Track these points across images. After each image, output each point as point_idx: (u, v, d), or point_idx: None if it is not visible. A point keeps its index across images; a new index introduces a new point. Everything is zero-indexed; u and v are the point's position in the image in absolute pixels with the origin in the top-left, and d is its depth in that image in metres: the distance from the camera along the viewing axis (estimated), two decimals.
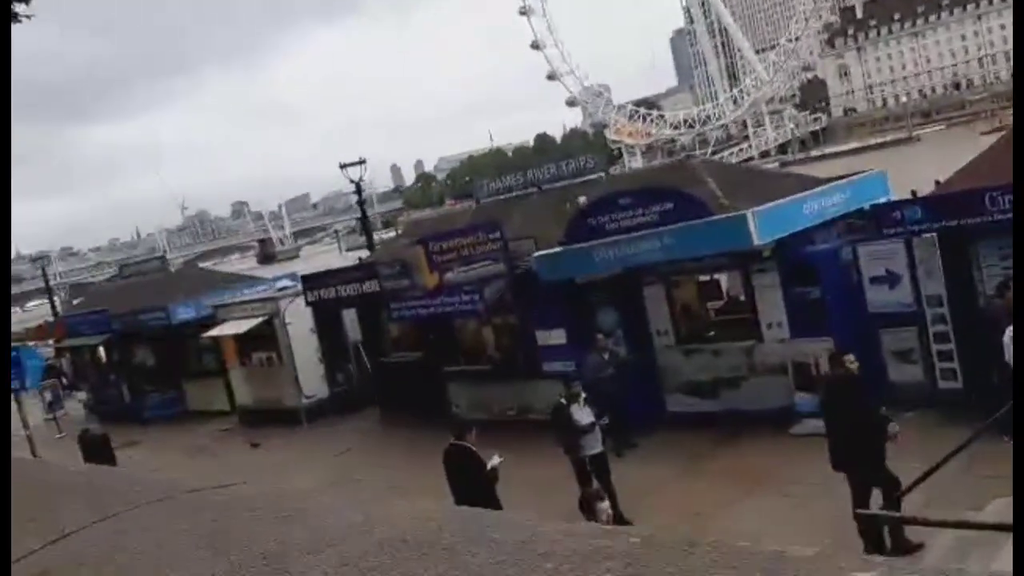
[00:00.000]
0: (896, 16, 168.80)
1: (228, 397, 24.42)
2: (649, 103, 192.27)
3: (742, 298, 14.93)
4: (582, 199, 15.89)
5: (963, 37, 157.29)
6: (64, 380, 29.58)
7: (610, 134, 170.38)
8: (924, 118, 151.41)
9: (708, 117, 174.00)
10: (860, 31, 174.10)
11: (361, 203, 26.71)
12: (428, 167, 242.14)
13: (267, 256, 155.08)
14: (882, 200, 14.78)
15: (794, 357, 13.46)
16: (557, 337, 15.93)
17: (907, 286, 12.78)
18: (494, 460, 9.78)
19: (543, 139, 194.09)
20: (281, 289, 23.79)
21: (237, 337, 22.93)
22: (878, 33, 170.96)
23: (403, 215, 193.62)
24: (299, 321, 22.14)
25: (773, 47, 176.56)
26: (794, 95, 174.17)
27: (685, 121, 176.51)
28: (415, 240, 17.28)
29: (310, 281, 20.87)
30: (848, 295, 13.31)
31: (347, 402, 21.67)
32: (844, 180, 15.01)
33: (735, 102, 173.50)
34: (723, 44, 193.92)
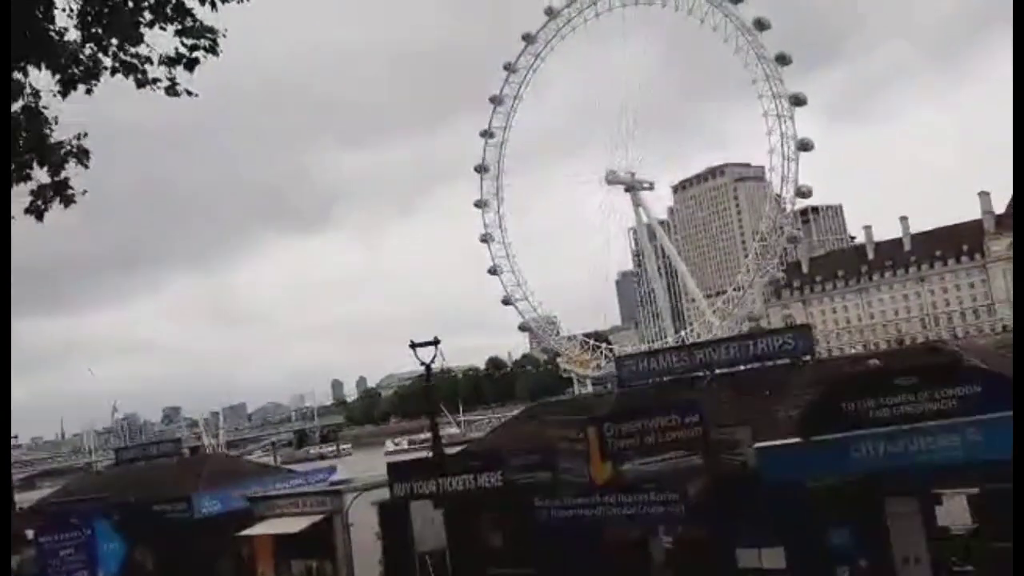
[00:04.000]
0: (840, 273, 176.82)
1: None
2: (599, 336, 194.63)
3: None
4: (873, 361, 12.98)
5: (905, 297, 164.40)
6: None
7: (563, 363, 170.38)
8: None
9: None
10: (805, 285, 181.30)
11: (429, 387, 23.32)
12: (371, 383, 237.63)
13: None
14: None
15: None
16: (773, 559, 12.45)
17: None
18: None
19: (494, 362, 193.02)
20: (339, 482, 19.84)
21: (278, 539, 18.72)
22: (823, 288, 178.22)
23: (344, 430, 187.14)
24: (362, 523, 18.18)
25: (719, 294, 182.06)
26: None
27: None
28: (579, 421, 13.95)
29: (401, 470, 17.12)
30: None
31: None
32: None
33: (683, 343, 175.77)
34: (671, 287, 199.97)
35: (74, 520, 14.75)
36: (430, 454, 22.18)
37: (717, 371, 15.13)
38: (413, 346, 22.37)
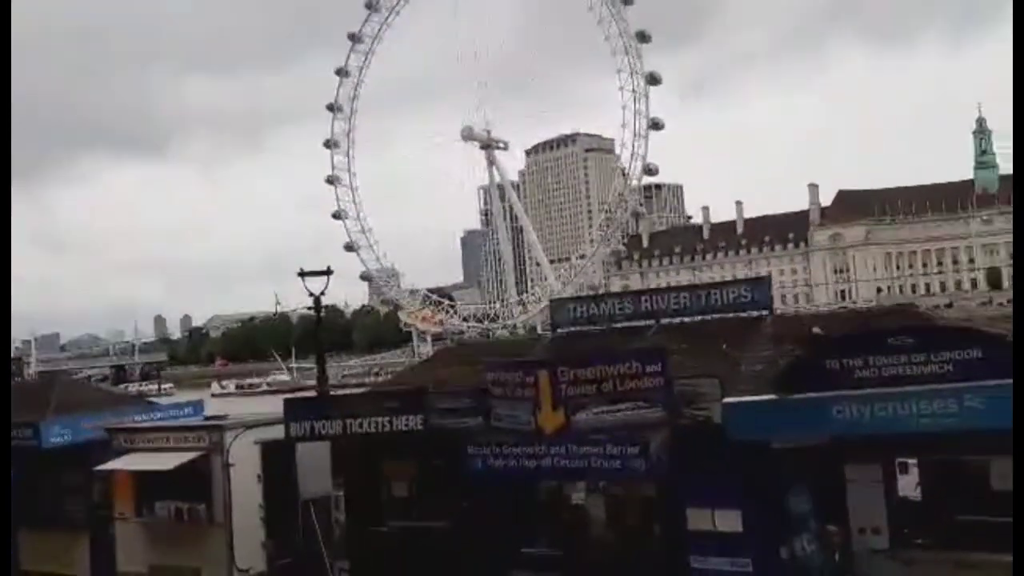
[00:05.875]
0: (677, 250, 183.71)
1: (97, 560, 17.40)
2: (442, 292, 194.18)
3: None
4: (816, 329, 12.23)
5: (735, 277, 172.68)
6: None
7: (404, 316, 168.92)
8: None
9: (496, 316, 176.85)
10: (644, 258, 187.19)
11: (318, 320, 21.35)
12: (197, 322, 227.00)
13: None
14: None
15: None
16: (728, 522, 11.63)
17: None
18: None
19: (332, 311, 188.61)
20: (217, 417, 17.74)
21: (140, 477, 16.52)
22: (660, 263, 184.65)
23: (167, 368, 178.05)
24: (243, 463, 16.25)
25: (562, 259, 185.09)
26: None
27: (474, 315, 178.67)
28: (526, 363, 12.62)
29: (298, 407, 15.28)
30: None
31: None
32: None
33: (523, 305, 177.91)
34: (517, 249, 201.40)
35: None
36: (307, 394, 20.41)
37: (663, 321, 14.15)
38: (302, 275, 20.41)
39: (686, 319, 14.05)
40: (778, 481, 11.67)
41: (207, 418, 18.02)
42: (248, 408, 29.46)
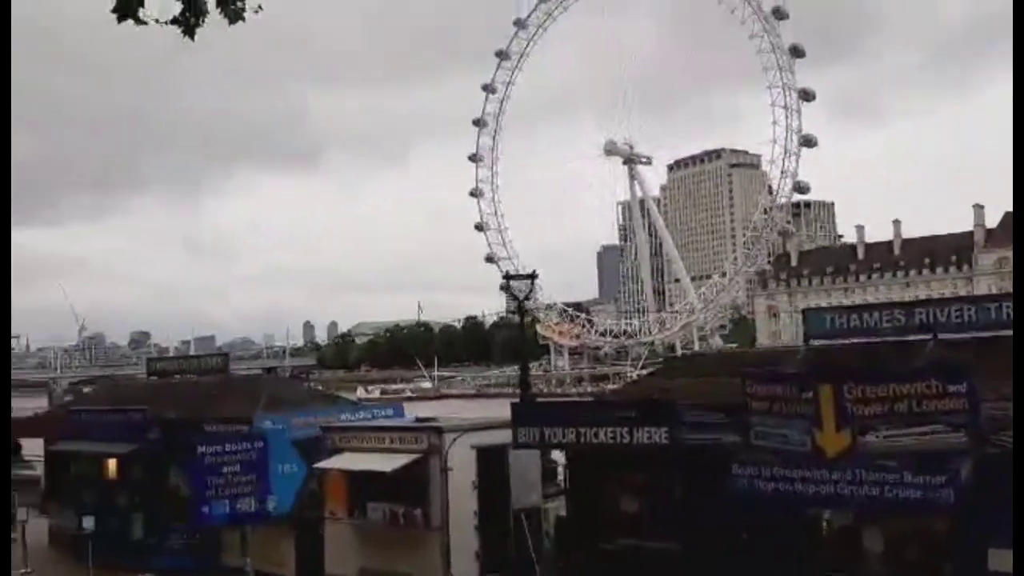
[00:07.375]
0: (829, 270, 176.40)
1: (303, 559, 17.20)
2: (579, 307, 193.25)
3: None
4: None
5: (890, 300, 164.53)
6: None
7: (541, 329, 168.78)
8: None
9: (635, 332, 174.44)
10: (792, 278, 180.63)
11: (521, 324, 20.82)
12: (342, 328, 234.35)
13: None
14: None
15: None
16: None
17: None
18: None
19: (472, 322, 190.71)
20: (430, 419, 17.32)
21: (354, 477, 16.19)
22: (809, 283, 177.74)
23: (315, 373, 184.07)
24: (459, 468, 15.69)
25: (703, 277, 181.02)
26: (723, 325, 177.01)
27: (611, 331, 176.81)
28: (800, 377, 11.46)
29: (526, 413, 14.58)
30: None
31: None
32: None
33: (662, 323, 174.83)
34: (656, 266, 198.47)
35: (242, 428, 11.85)
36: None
37: (940, 336, 12.70)
38: (507, 278, 19.96)
39: (969, 335, 12.53)
40: None
41: (419, 419, 17.60)
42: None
